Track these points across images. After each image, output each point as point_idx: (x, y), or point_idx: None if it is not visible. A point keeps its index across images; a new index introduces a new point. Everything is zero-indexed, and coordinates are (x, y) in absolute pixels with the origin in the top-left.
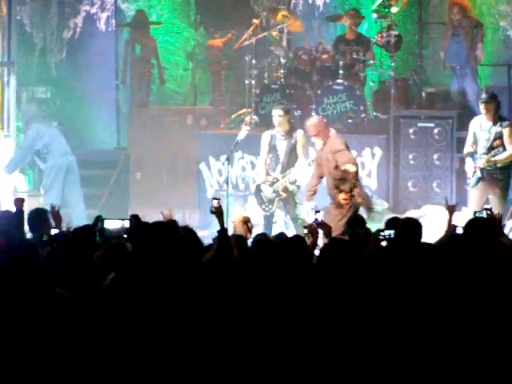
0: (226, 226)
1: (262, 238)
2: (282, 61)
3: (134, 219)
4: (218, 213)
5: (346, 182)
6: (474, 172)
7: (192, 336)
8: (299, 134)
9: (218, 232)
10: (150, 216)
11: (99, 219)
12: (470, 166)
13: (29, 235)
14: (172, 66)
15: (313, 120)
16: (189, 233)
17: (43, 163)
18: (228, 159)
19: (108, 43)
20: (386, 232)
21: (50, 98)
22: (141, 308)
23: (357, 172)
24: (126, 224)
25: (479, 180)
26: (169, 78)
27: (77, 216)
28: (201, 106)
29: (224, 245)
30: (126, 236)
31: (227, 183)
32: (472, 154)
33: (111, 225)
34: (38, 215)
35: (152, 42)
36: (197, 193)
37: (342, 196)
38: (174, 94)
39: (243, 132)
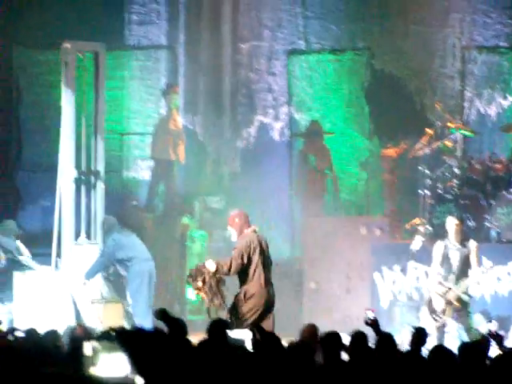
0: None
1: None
2: (456, 171)
3: (257, 329)
4: (373, 324)
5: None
6: None
7: None
8: (472, 244)
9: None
10: (325, 326)
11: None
12: None
13: None
14: (346, 176)
15: (235, 211)
16: None
17: (125, 271)
18: (402, 269)
19: (282, 153)
20: None
21: (223, 208)
22: None
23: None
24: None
25: None
26: (342, 188)
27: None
28: (374, 216)
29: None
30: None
31: (401, 293)
32: None
33: (236, 335)
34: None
35: (326, 152)
36: (370, 303)
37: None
38: (347, 204)
39: (417, 242)
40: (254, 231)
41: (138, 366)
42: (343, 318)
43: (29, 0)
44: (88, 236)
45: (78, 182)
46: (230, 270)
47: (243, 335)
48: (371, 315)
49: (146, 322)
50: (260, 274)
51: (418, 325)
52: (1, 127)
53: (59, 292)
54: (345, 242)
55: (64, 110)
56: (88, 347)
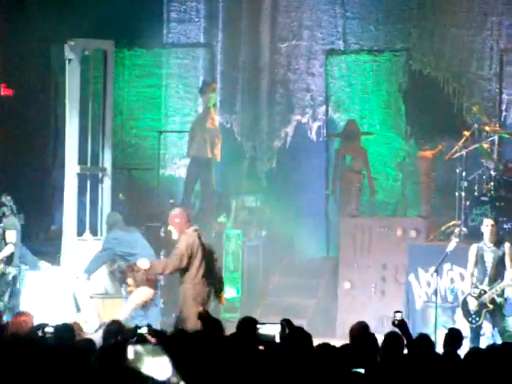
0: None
1: None
2: (492, 173)
3: (287, 324)
4: (401, 325)
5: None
6: None
7: None
8: (507, 247)
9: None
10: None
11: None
12: None
13: None
14: (382, 177)
15: (175, 210)
16: None
17: None
18: (437, 271)
19: (318, 153)
20: None
21: (260, 207)
22: None
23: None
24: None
25: None
26: (379, 189)
27: None
28: (410, 217)
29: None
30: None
31: (436, 295)
32: None
33: (266, 329)
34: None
35: (363, 153)
36: (405, 304)
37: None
38: (383, 205)
39: (452, 244)
40: (195, 230)
41: (180, 367)
42: (377, 319)
43: (69, 0)
44: (94, 232)
45: (82, 178)
46: (164, 270)
47: (273, 330)
48: (399, 316)
49: (150, 318)
50: (202, 273)
51: (452, 326)
52: (39, 124)
53: (61, 287)
54: (380, 243)
55: (69, 106)
56: (130, 350)
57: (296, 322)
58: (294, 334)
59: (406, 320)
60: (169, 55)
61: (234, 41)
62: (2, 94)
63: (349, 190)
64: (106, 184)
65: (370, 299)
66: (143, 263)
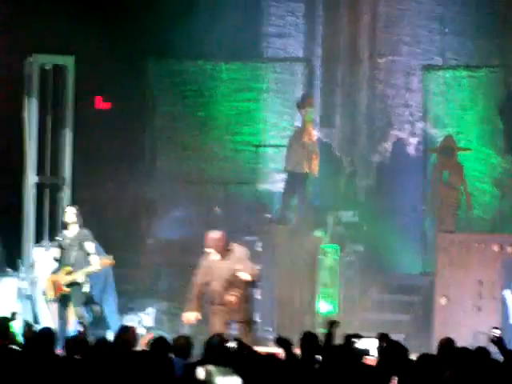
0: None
1: None
2: None
3: (384, 338)
4: (498, 342)
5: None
6: None
7: None
8: None
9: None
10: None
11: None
12: None
13: None
14: (479, 193)
15: (216, 234)
16: None
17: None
18: None
19: (416, 168)
20: None
21: (357, 222)
22: None
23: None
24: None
25: None
26: (475, 205)
27: None
28: (507, 233)
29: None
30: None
31: None
32: None
33: (362, 343)
34: None
35: (459, 168)
36: (500, 319)
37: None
38: (480, 221)
39: None
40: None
41: None
42: (473, 335)
43: (168, 14)
44: (51, 239)
45: (40, 188)
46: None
47: (368, 344)
48: (497, 333)
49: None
50: None
51: None
52: (135, 136)
53: (19, 293)
54: (476, 259)
55: (27, 119)
56: (201, 371)
57: (392, 337)
58: (391, 347)
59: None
60: (267, 69)
61: (332, 56)
62: (100, 107)
63: (445, 205)
64: (64, 193)
65: (465, 315)
66: (245, 275)
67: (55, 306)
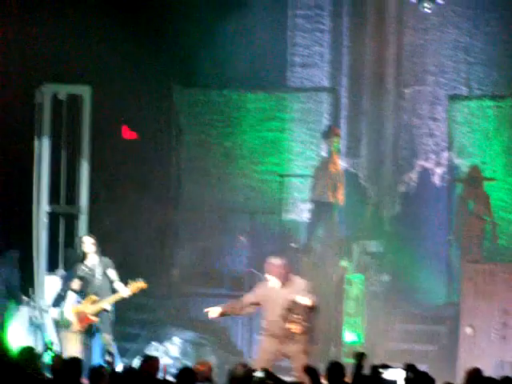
0: None
1: None
2: None
3: (411, 369)
4: None
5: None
6: None
7: None
8: None
9: None
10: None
11: None
12: None
13: None
14: (504, 223)
15: (278, 260)
16: None
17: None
18: None
19: (441, 198)
20: None
21: (382, 252)
22: None
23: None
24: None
25: None
26: (501, 235)
27: None
28: None
29: None
30: None
31: None
32: None
33: (389, 374)
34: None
35: (485, 198)
36: None
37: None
38: (505, 250)
39: None
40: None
41: None
42: (498, 364)
43: (193, 42)
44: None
45: (54, 217)
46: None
47: (395, 375)
48: None
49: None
50: None
51: None
52: (161, 167)
53: (32, 321)
54: (501, 288)
55: (39, 150)
56: None
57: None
58: (418, 378)
59: None
60: (292, 99)
61: (358, 85)
62: (126, 136)
63: (471, 235)
64: (81, 221)
65: (490, 344)
66: (304, 300)
67: (70, 335)
